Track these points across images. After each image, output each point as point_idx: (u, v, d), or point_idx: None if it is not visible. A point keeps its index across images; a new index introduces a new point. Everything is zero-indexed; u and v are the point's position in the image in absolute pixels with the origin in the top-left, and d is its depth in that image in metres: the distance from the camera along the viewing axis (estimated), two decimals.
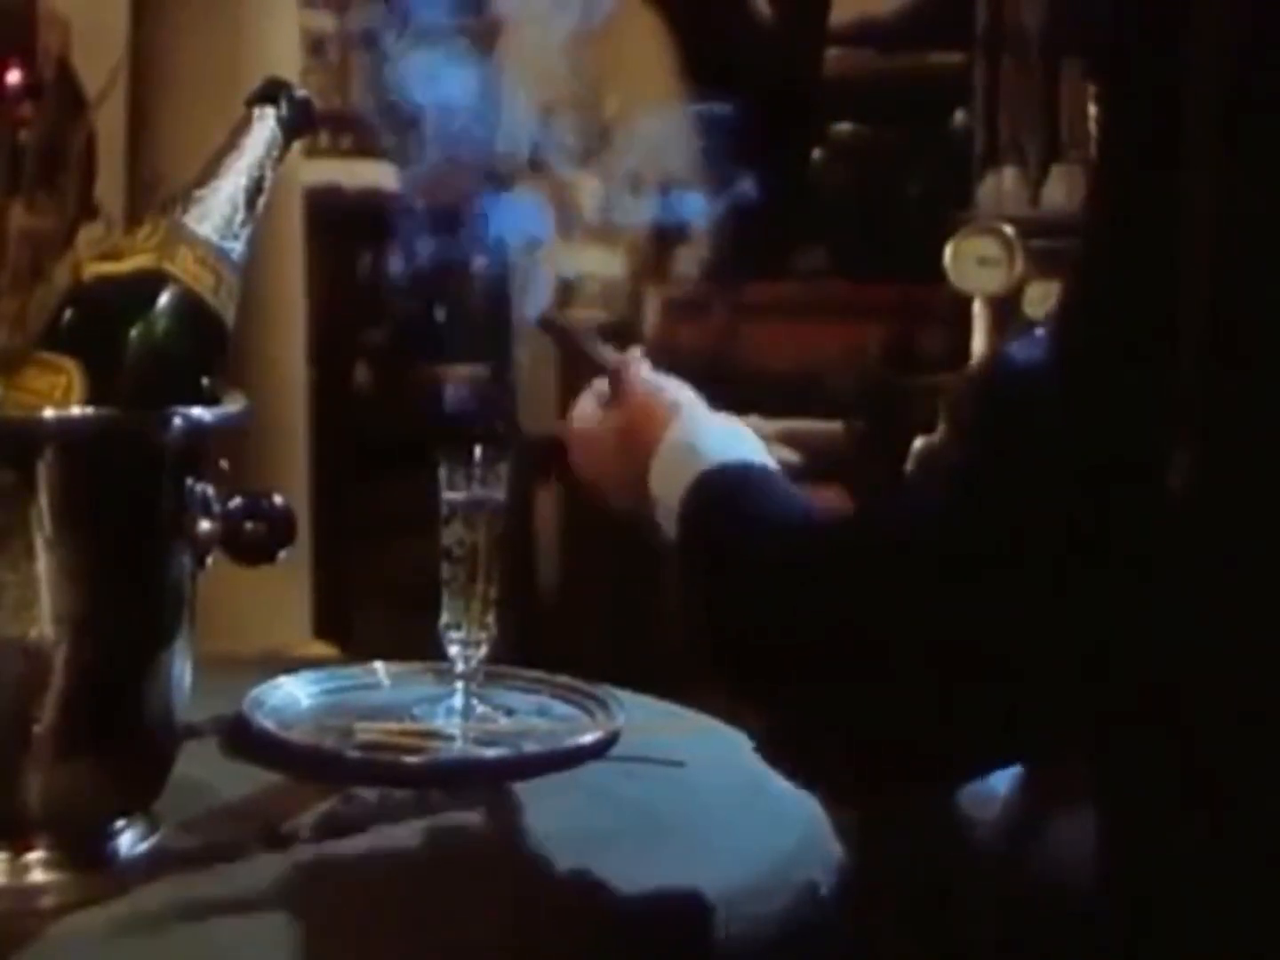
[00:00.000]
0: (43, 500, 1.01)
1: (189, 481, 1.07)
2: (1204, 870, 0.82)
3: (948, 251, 3.23)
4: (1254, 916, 0.81)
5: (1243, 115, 0.79)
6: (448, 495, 1.33)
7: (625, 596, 3.73)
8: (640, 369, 1.28)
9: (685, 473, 1.13)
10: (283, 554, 1.10)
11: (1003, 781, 1.26)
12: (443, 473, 1.32)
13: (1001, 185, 4.22)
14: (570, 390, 1.32)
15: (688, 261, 5.14)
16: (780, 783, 1.25)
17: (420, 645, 1.39)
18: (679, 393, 1.24)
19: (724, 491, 1.11)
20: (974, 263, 3.21)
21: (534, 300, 1.39)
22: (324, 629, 3.79)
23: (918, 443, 2.66)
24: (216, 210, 1.09)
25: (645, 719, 1.35)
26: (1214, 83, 0.80)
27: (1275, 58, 0.79)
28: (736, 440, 1.17)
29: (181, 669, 1.09)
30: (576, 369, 1.36)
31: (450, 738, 1.31)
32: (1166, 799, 0.84)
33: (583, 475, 1.28)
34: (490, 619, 1.33)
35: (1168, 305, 0.81)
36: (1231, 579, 0.81)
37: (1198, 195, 0.80)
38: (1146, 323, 0.83)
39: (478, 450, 1.32)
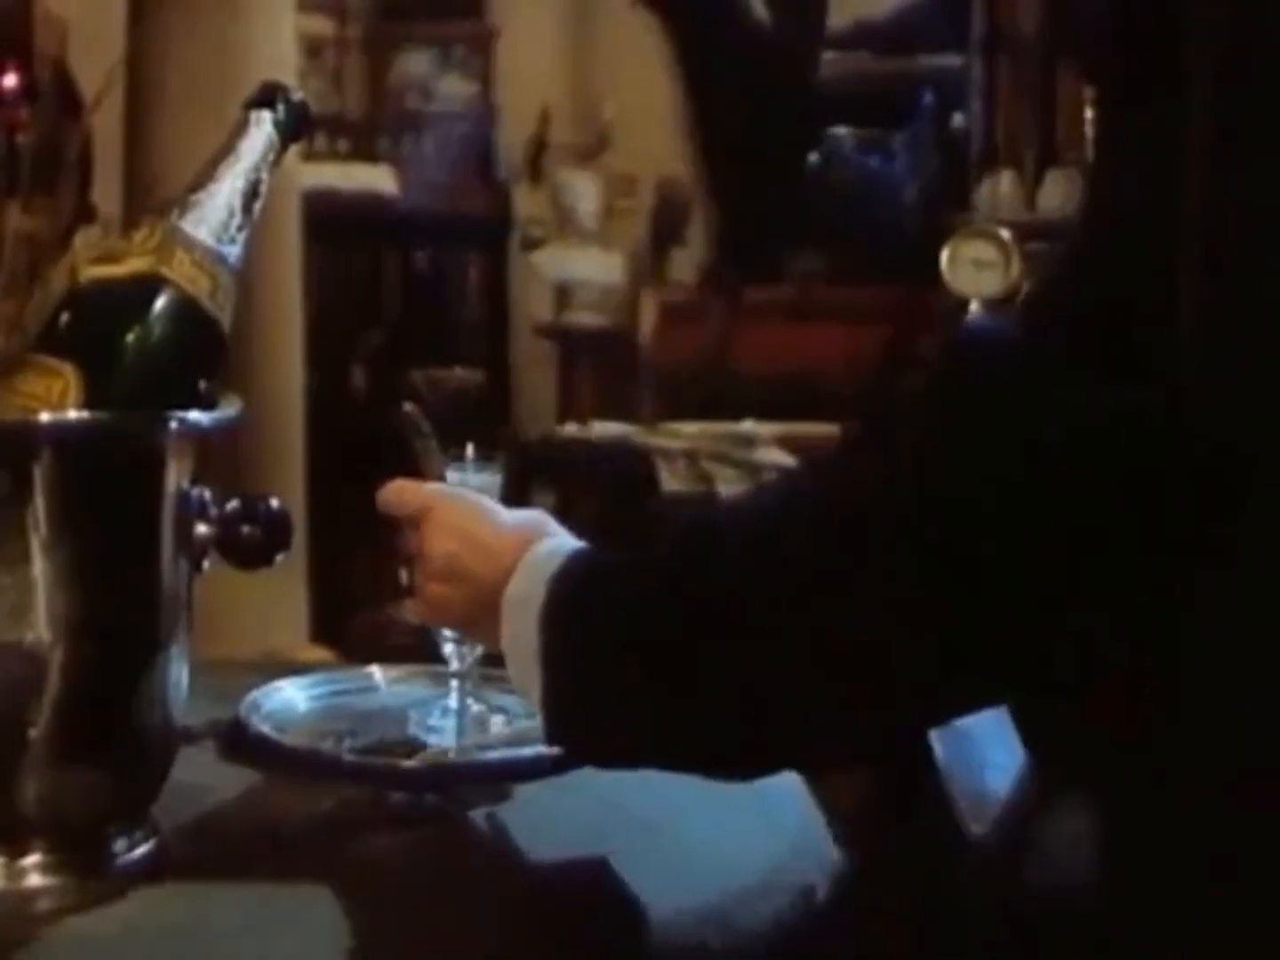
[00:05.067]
0: (39, 504, 1.01)
1: (185, 485, 1.07)
2: (1204, 870, 0.82)
3: (944, 255, 3.22)
4: (1254, 918, 0.81)
5: (1238, 115, 0.79)
6: None
7: None
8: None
9: (549, 566, 1.05)
10: (279, 557, 1.10)
11: (1002, 783, 1.26)
12: None
13: (998, 188, 4.23)
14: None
15: (684, 265, 5.15)
16: (776, 785, 1.25)
17: (416, 648, 1.39)
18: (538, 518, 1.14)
19: (595, 563, 1.05)
20: (970, 266, 3.20)
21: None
22: (320, 632, 3.79)
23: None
24: (213, 214, 1.09)
25: None
26: (1210, 83, 0.80)
27: (1270, 56, 0.79)
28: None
29: (178, 673, 1.09)
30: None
31: (446, 741, 1.31)
32: (1166, 799, 0.84)
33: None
34: None
35: (1165, 306, 0.82)
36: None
37: (1194, 197, 0.80)
38: (1139, 325, 0.83)
39: (470, 448, 1.31)
